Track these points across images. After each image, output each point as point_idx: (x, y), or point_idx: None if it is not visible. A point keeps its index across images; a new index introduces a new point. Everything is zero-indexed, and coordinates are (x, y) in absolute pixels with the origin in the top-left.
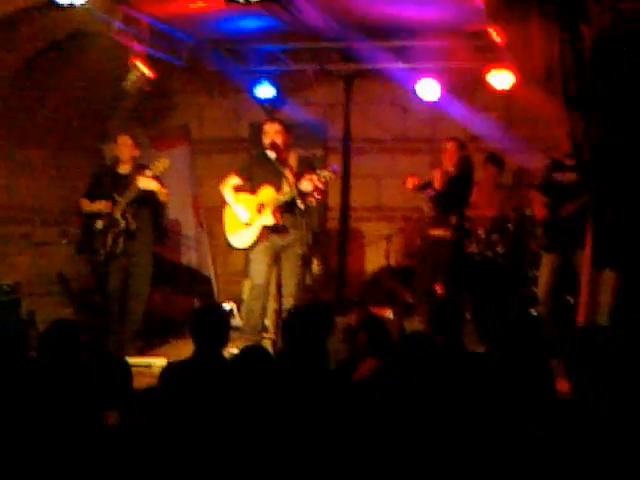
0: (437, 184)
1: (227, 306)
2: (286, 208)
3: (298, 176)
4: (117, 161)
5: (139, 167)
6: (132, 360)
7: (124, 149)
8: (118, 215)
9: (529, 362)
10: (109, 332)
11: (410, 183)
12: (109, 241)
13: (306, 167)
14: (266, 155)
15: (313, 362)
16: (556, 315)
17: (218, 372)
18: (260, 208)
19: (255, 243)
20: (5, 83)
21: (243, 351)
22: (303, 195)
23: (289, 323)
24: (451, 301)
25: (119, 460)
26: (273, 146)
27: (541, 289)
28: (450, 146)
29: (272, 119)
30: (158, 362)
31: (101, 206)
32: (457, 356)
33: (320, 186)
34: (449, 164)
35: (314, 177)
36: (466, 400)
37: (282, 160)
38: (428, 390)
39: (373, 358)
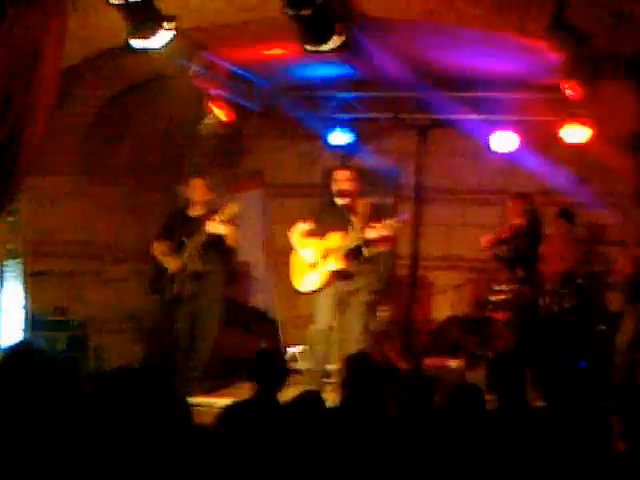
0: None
1: (292, 350)
2: (353, 255)
3: (367, 223)
4: (189, 203)
5: (210, 211)
6: (197, 400)
7: (196, 192)
8: (187, 258)
9: (588, 418)
10: (176, 371)
11: (485, 241)
12: (177, 283)
13: (376, 215)
14: (337, 201)
15: (368, 413)
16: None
17: (270, 416)
18: (327, 253)
19: (320, 288)
20: (85, 122)
21: (297, 397)
22: (370, 242)
23: (345, 371)
24: (512, 355)
25: None
26: (343, 193)
27: (620, 340)
28: (511, 204)
29: (343, 166)
30: (223, 403)
31: (170, 264)
32: (510, 411)
33: (386, 234)
34: (512, 221)
35: (381, 225)
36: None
37: (351, 207)
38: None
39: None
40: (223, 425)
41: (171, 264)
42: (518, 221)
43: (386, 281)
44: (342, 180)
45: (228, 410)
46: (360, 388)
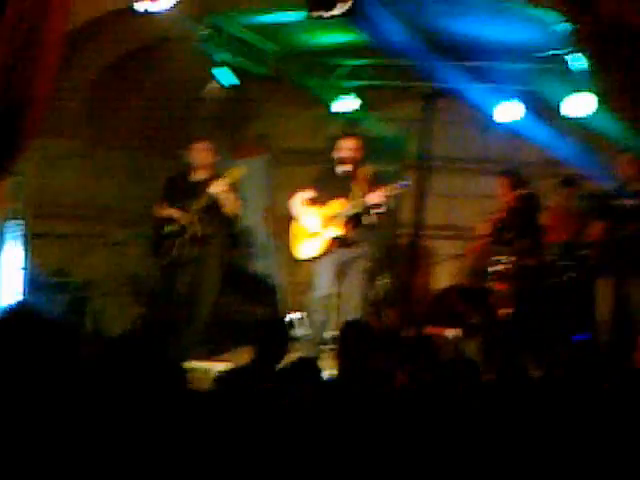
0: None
1: (292, 316)
2: (355, 222)
3: (369, 191)
4: (193, 167)
5: (214, 175)
6: (195, 365)
7: (200, 155)
8: (189, 221)
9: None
10: (175, 335)
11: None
12: (178, 247)
13: (379, 182)
14: (339, 169)
15: (362, 380)
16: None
17: (266, 382)
18: (328, 220)
19: (320, 255)
20: (89, 85)
21: (293, 364)
22: (371, 209)
23: (342, 338)
24: (511, 326)
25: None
26: (345, 161)
27: (601, 318)
28: (500, 181)
29: (348, 134)
30: (221, 368)
31: (175, 213)
32: (507, 382)
33: (388, 200)
34: (504, 200)
35: (383, 191)
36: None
37: (353, 175)
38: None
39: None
40: (219, 390)
41: (175, 216)
42: (509, 199)
43: (386, 249)
44: (345, 148)
45: (224, 375)
46: (358, 356)
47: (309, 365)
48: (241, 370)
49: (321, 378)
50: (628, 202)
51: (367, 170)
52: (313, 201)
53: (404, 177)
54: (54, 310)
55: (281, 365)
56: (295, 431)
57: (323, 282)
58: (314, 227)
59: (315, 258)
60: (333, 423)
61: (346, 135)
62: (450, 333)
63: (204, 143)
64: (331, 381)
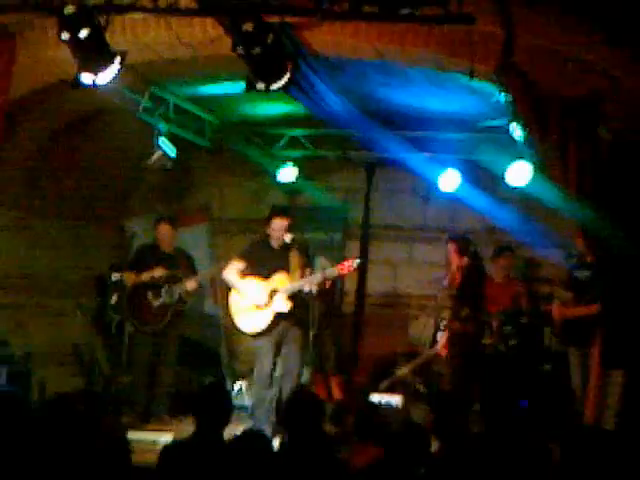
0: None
1: (237, 385)
2: (298, 294)
3: (303, 262)
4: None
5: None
6: (138, 435)
7: (166, 237)
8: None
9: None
10: (129, 404)
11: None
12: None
13: (303, 251)
14: (268, 241)
15: (311, 449)
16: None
17: (215, 455)
18: (273, 294)
19: (267, 329)
20: (30, 155)
21: (242, 435)
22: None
23: (285, 412)
24: (457, 394)
25: None
26: (280, 239)
27: (575, 383)
28: (449, 247)
29: (281, 213)
30: (164, 438)
31: (158, 272)
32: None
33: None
34: (454, 264)
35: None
36: None
37: (286, 250)
38: None
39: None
40: (165, 463)
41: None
42: (457, 264)
43: (328, 317)
44: (279, 229)
45: (169, 448)
46: (306, 427)
47: (257, 437)
48: (186, 442)
49: (272, 449)
50: (582, 274)
51: (303, 245)
52: (246, 272)
53: (349, 247)
54: None
55: (230, 435)
56: None
57: (267, 358)
58: (259, 301)
59: (260, 333)
60: None
61: (279, 215)
62: (397, 400)
63: (165, 226)
64: (282, 452)
